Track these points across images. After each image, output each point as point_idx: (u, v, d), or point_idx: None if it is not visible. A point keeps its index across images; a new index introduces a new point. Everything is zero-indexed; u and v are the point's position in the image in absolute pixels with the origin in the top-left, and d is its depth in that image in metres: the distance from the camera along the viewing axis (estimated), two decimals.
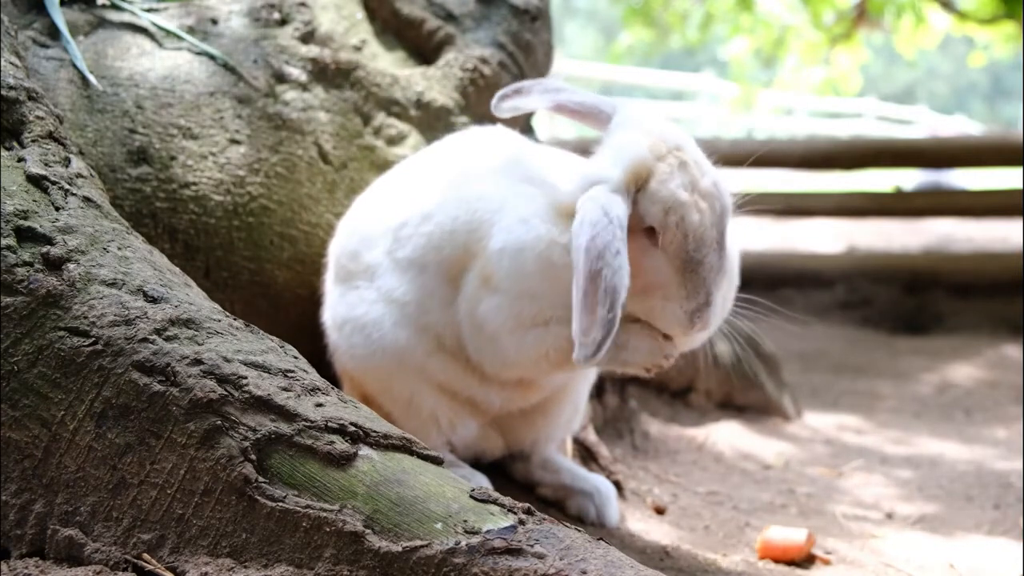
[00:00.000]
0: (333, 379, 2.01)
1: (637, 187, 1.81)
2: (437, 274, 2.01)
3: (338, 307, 2.14)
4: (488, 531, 1.38)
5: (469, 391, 2.07)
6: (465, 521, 1.40)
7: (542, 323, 1.92)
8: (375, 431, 1.51)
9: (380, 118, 2.62)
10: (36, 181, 1.71)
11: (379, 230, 2.10)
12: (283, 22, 2.61)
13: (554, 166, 2.03)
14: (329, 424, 1.49)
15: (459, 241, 1.98)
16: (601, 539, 1.42)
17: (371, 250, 2.10)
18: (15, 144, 1.77)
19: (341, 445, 1.48)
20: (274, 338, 1.68)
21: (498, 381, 2.05)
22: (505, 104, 1.99)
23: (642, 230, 1.81)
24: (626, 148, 1.83)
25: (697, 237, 1.80)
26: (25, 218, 1.64)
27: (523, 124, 2.84)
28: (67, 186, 1.73)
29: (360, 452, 1.48)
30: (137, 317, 1.56)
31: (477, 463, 2.24)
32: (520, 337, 1.93)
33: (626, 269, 1.72)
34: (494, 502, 1.44)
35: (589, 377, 2.31)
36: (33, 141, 1.78)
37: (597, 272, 1.70)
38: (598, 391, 2.78)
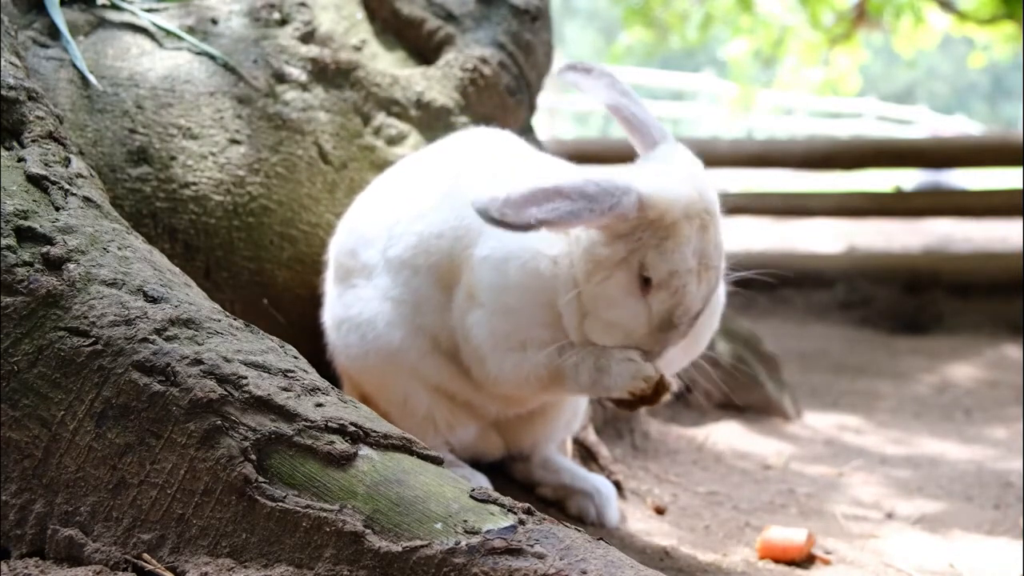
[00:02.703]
0: (333, 379, 2.01)
1: (654, 229, 1.76)
2: (428, 278, 1.99)
3: (336, 306, 2.14)
4: (488, 531, 1.38)
5: (465, 395, 2.06)
6: (465, 521, 1.39)
7: (519, 346, 1.89)
8: (375, 431, 1.51)
9: (380, 118, 2.62)
10: (36, 181, 1.71)
11: (376, 229, 2.10)
12: (283, 22, 2.61)
13: (551, 174, 2.01)
14: (329, 424, 1.49)
15: (444, 247, 1.96)
16: (601, 539, 1.42)
17: (368, 249, 2.09)
18: (15, 144, 1.77)
19: (341, 445, 1.48)
20: (274, 338, 1.68)
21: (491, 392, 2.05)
22: (569, 75, 1.96)
23: (638, 276, 1.78)
24: (668, 184, 1.77)
25: (686, 307, 1.77)
26: (25, 218, 1.64)
27: (523, 124, 2.84)
28: (67, 186, 1.73)
29: (360, 452, 1.48)
30: (137, 317, 1.56)
31: (477, 464, 2.24)
32: (501, 357, 1.91)
33: (571, 226, 1.75)
34: (494, 502, 1.44)
35: None
36: (33, 141, 1.78)
37: (568, 199, 1.68)
38: None
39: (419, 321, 2.00)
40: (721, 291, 1.97)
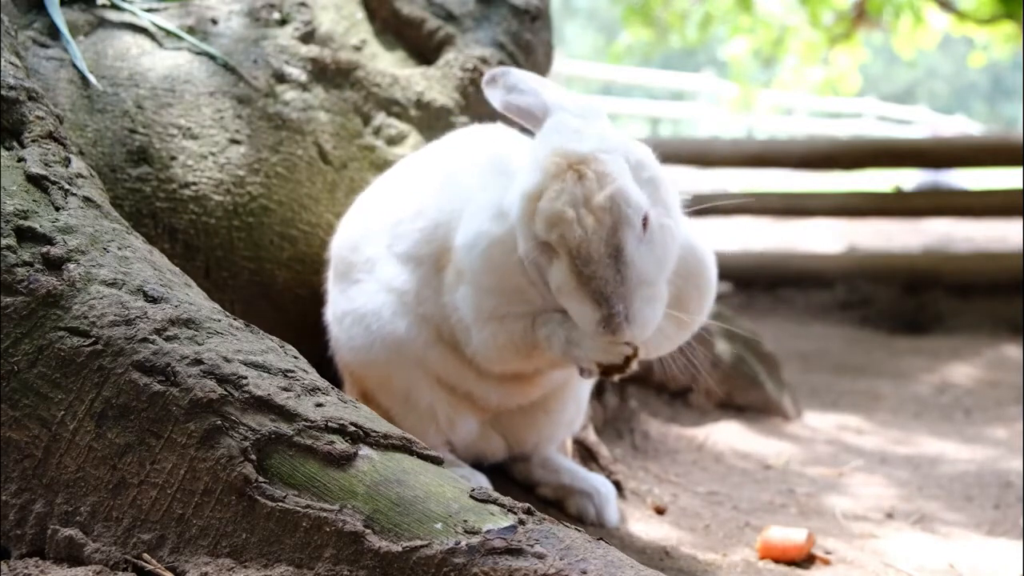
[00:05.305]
0: (333, 379, 2.01)
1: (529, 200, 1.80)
2: (430, 266, 2.03)
3: (339, 301, 2.16)
4: (488, 531, 1.38)
5: (467, 385, 2.07)
6: (465, 521, 1.39)
7: (496, 318, 1.93)
8: (375, 431, 1.52)
9: (380, 118, 2.62)
10: (36, 181, 1.71)
11: (378, 226, 2.13)
12: (283, 22, 2.61)
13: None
14: (329, 424, 1.49)
15: (441, 235, 2.02)
16: (601, 539, 1.42)
17: (370, 244, 2.12)
18: (15, 144, 1.77)
19: (341, 445, 1.48)
20: (274, 338, 1.68)
21: (493, 376, 2.05)
22: (488, 91, 2.04)
23: (540, 248, 1.79)
24: (525, 175, 1.83)
25: (583, 253, 1.74)
26: (25, 218, 1.64)
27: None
28: (67, 186, 1.73)
29: (360, 452, 1.48)
30: (137, 317, 1.56)
31: (479, 465, 2.24)
32: (481, 328, 1.95)
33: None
34: (494, 502, 1.44)
35: None
36: (33, 141, 1.78)
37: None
38: (598, 391, 2.78)
39: (421, 311, 2.03)
40: (705, 251, 1.99)
